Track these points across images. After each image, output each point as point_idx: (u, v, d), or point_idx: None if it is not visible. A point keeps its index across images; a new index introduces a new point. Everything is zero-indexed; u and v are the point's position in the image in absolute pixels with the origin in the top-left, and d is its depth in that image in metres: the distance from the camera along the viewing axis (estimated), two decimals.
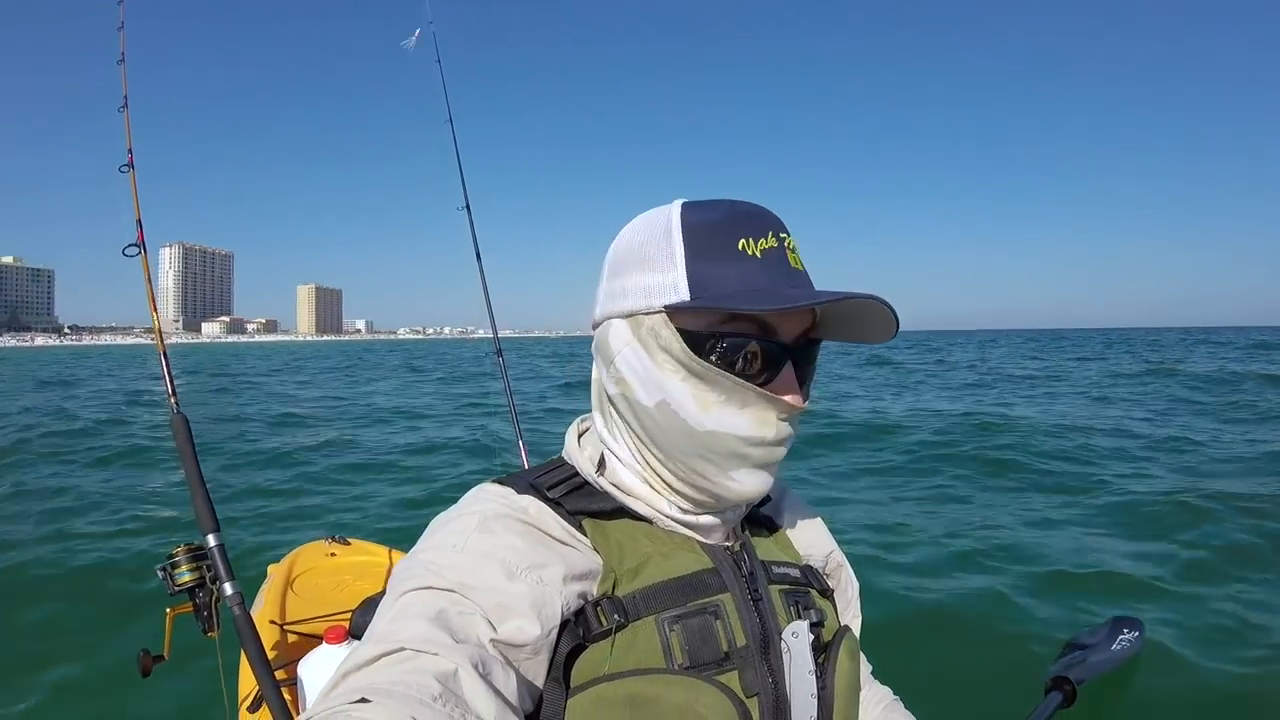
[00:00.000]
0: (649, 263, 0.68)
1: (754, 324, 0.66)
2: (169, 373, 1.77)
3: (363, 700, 0.48)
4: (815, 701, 0.68)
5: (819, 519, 0.90)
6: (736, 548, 0.74)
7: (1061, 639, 1.37)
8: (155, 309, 1.80)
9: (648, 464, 0.71)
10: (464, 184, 2.57)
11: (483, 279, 2.57)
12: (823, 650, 0.72)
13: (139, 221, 1.74)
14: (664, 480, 0.71)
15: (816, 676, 0.68)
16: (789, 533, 0.85)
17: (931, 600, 3.74)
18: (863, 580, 0.89)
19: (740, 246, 0.65)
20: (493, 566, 0.60)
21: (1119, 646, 1.02)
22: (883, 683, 0.94)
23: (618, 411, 0.72)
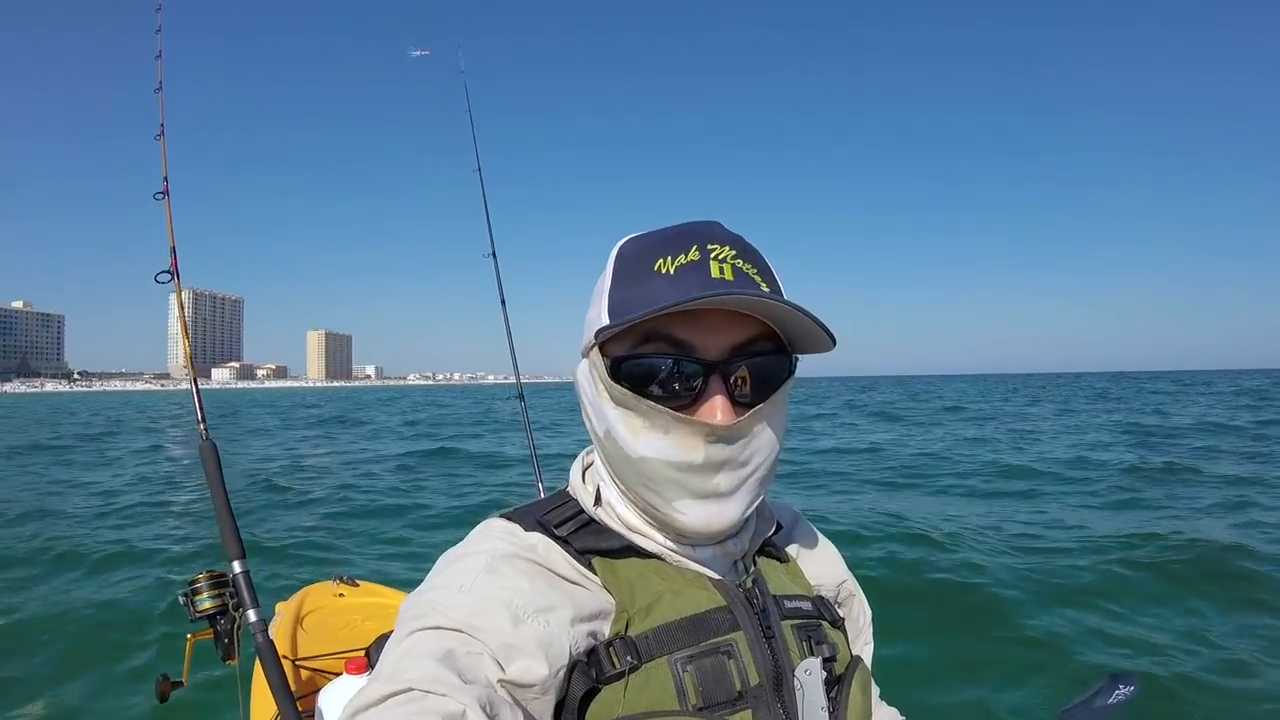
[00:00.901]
0: (593, 299, 0.71)
1: (666, 342, 0.64)
2: (199, 401, 1.78)
3: None
4: None
5: (831, 547, 0.89)
6: (749, 583, 0.73)
7: None
8: (187, 334, 1.82)
9: (623, 496, 0.72)
10: (490, 231, 2.61)
11: (507, 325, 2.59)
12: (835, 684, 0.72)
13: (174, 249, 1.77)
14: (640, 512, 0.71)
15: (829, 713, 0.68)
16: (800, 562, 0.83)
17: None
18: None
19: (655, 267, 0.65)
20: (500, 607, 0.59)
21: (1115, 699, 1.02)
22: (890, 704, 0.93)
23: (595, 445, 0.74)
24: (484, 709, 0.52)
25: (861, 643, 0.86)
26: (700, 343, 0.64)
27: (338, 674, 1.64)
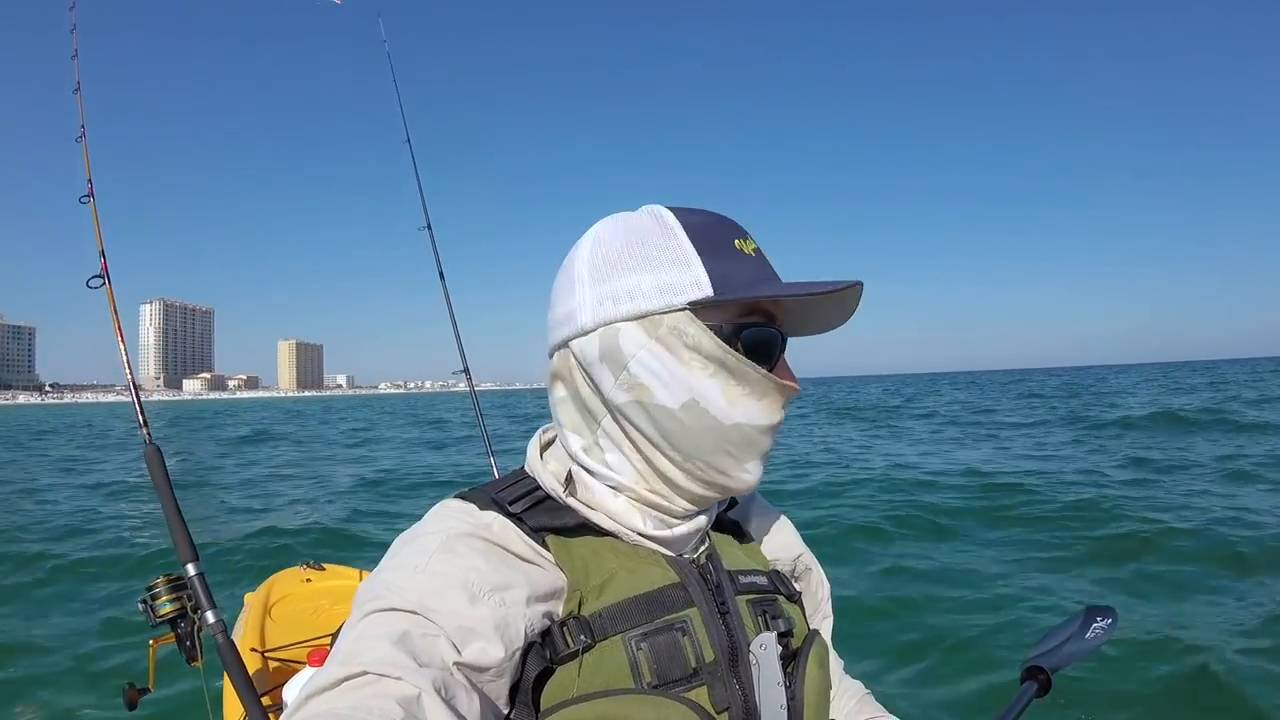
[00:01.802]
0: (654, 262, 0.67)
1: (763, 314, 0.69)
2: (140, 407, 1.76)
3: None
4: (785, 712, 0.68)
5: (786, 521, 0.89)
6: (703, 559, 0.73)
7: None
8: (123, 340, 1.79)
9: (657, 471, 0.70)
10: (424, 203, 2.58)
11: (447, 299, 2.54)
12: (791, 659, 0.72)
13: (102, 252, 1.74)
14: (661, 487, 0.70)
15: (785, 687, 0.68)
16: (756, 536, 0.84)
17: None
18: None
19: (737, 246, 0.68)
20: (455, 588, 0.59)
21: (1092, 635, 1.03)
22: (855, 677, 0.94)
23: (623, 420, 0.69)
24: (439, 692, 0.52)
25: (820, 617, 0.87)
26: (779, 317, 0.70)
27: (304, 664, 1.64)
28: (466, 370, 2.51)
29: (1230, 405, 19.30)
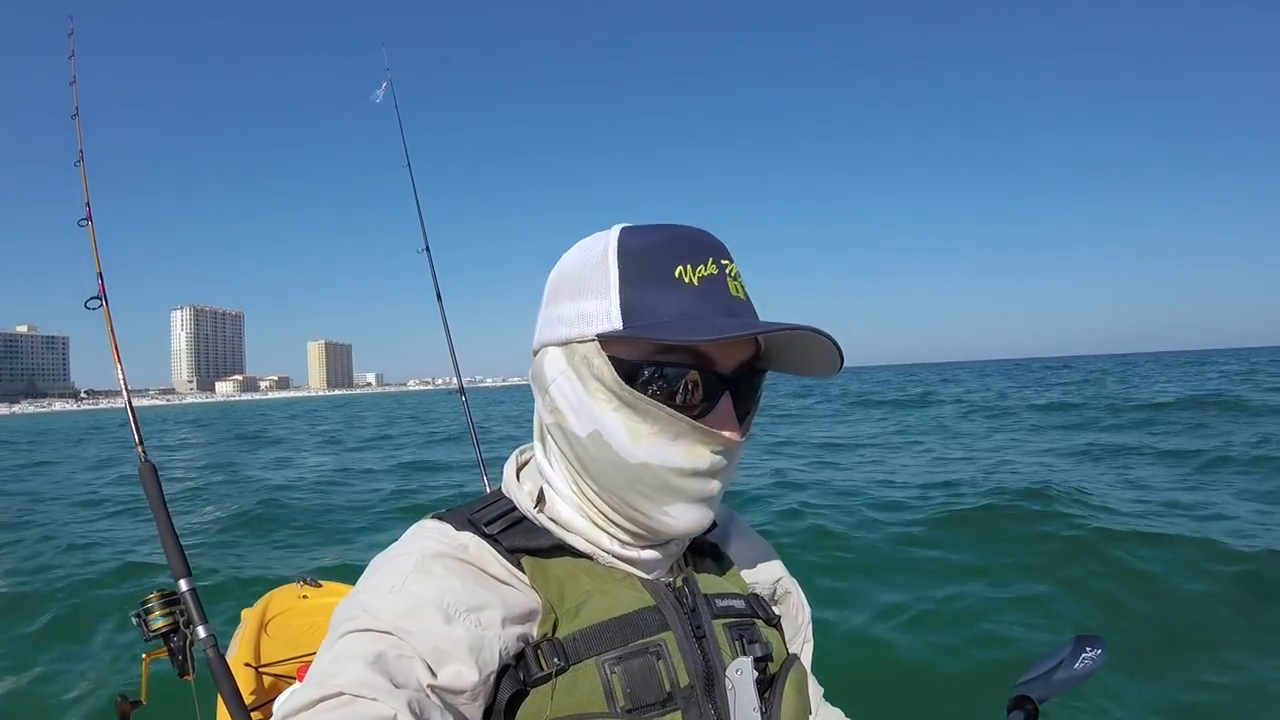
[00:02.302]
0: (584, 289, 0.66)
1: (690, 354, 0.64)
2: (135, 422, 1.79)
3: None
4: None
5: (766, 545, 0.88)
6: (679, 583, 0.72)
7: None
8: (119, 360, 1.83)
9: (584, 496, 0.70)
10: (423, 227, 2.60)
11: (444, 321, 2.60)
12: (769, 684, 0.72)
13: (100, 274, 1.78)
14: (601, 513, 0.70)
15: (762, 713, 0.67)
16: (735, 560, 0.83)
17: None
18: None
19: (677, 274, 0.64)
20: (431, 609, 0.59)
21: (1081, 665, 1.01)
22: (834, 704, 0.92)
23: (554, 441, 0.71)
24: (414, 714, 0.52)
25: (800, 641, 0.86)
26: (718, 359, 0.65)
27: (294, 680, 1.66)
28: (462, 390, 2.58)
29: None
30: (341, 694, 0.51)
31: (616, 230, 0.68)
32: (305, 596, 2.27)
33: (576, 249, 0.70)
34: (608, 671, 0.63)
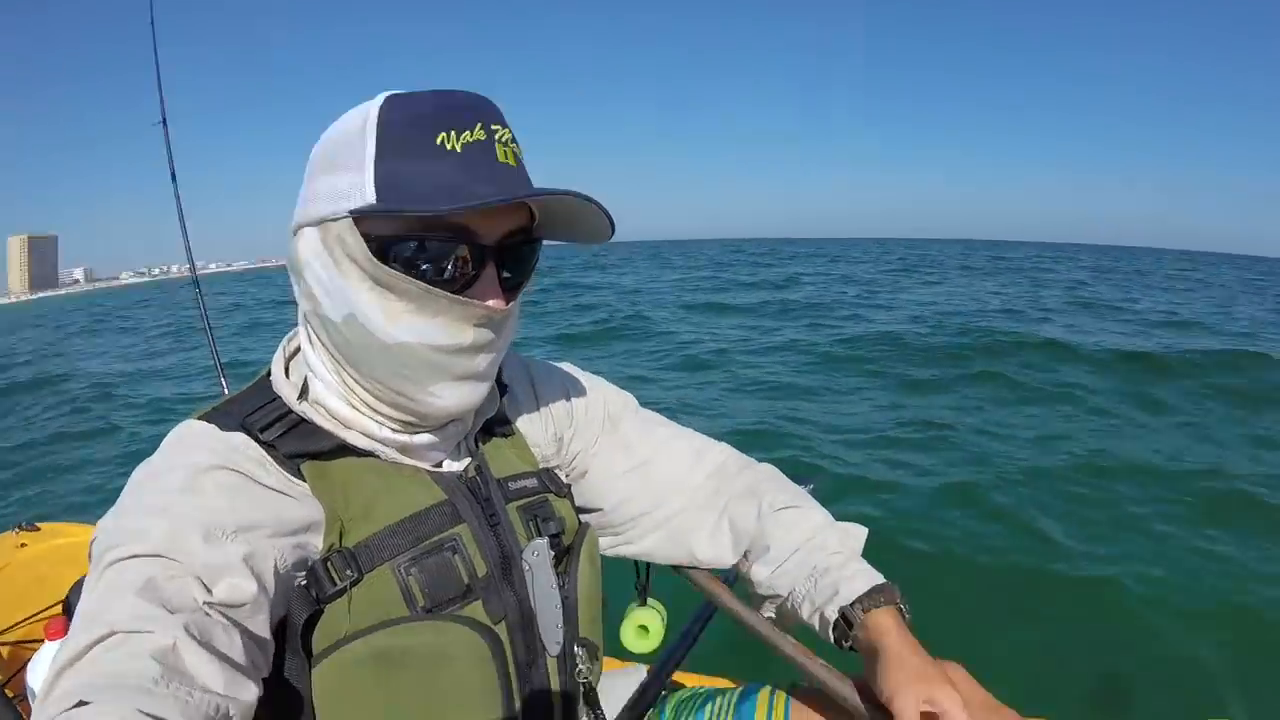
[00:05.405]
0: (339, 164, 0.62)
1: (450, 226, 0.61)
2: None
3: (81, 704, 0.44)
4: (560, 612, 0.71)
5: (555, 382, 0.89)
6: (471, 472, 0.73)
7: None
8: None
9: (347, 385, 0.67)
10: (162, 96, 2.34)
11: (178, 203, 2.36)
12: (563, 557, 0.76)
13: None
14: (365, 402, 0.67)
15: (559, 588, 0.72)
16: (525, 428, 0.84)
17: None
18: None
19: (439, 141, 0.59)
20: (201, 527, 0.56)
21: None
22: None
23: (313, 330, 0.68)
24: (195, 637, 0.49)
25: (608, 429, 0.89)
26: (479, 228, 0.62)
27: (41, 641, 1.45)
28: (196, 283, 2.40)
29: None
30: (114, 632, 0.48)
31: (380, 99, 0.63)
32: (23, 545, 2.05)
33: (338, 121, 0.65)
34: (404, 574, 0.63)
